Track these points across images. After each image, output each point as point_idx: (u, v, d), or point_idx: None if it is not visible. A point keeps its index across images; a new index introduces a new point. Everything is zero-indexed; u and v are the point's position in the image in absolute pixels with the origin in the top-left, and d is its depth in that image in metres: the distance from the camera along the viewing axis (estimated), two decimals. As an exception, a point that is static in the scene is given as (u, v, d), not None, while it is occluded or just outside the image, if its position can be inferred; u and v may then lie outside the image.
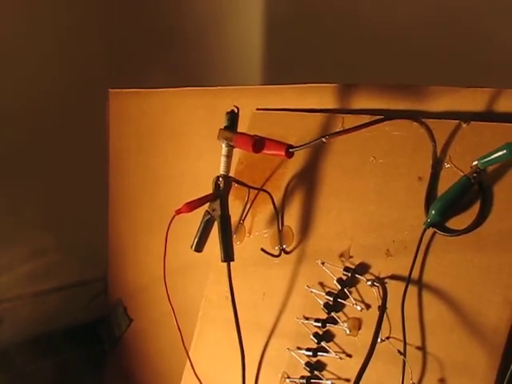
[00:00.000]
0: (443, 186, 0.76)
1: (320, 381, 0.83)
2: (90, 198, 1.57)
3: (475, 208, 0.73)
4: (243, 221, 1.00)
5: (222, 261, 0.89)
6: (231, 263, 0.89)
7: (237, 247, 0.95)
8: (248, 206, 0.99)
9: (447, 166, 0.77)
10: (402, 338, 0.74)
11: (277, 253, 0.93)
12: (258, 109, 1.06)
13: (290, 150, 0.83)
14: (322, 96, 0.97)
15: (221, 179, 0.90)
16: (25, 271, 1.54)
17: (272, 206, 0.95)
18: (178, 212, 0.90)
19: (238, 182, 0.94)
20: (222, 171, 0.91)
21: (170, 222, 0.91)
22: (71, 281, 1.65)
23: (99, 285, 1.64)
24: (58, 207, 1.57)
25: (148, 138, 1.35)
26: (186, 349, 1.00)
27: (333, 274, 0.84)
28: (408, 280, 0.75)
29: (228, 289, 0.90)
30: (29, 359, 1.50)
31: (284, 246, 0.93)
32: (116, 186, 1.46)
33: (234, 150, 0.91)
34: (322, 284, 0.86)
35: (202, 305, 1.05)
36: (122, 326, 1.44)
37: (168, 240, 0.95)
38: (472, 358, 0.70)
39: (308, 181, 0.92)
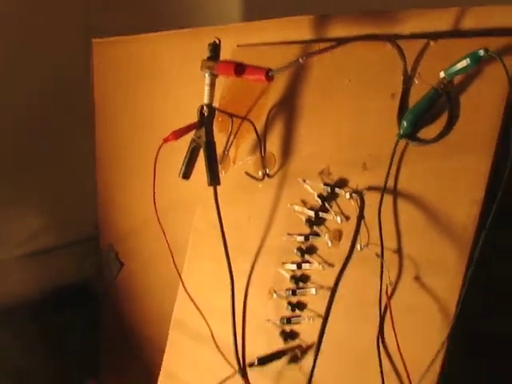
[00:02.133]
0: (414, 101, 0.81)
1: (305, 290, 0.88)
2: (77, 154, 1.58)
3: (444, 118, 0.78)
4: (227, 151, 1.05)
5: (209, 184, 0.94)
6: (218, 192, 0.94)
7: (222, 177, 1.00)
8: (231, 137, 1.04)
9: (417, 82, 0.82)
10: (379, 243, 0.80)
11: (260, 177, 0.97)
12: (238, 45, 1.10)
13: (270, 73, 0.87)
14: (301, 28, 1.01)
15: (205, 108, 0.95)
16: (13, 233, 1.54)
17: (255, 134, 1.00)
18: (166, 140, 0.95)
19: (221, 111, 0.98)
20: (205, 100, 0.95)
21: (158, 150, 0.95)
22: (62, 242, 1.65)
23: (91, 244, 1.67)
24: (46, 164, 1.57)
25: (134, 84, 1.38)
26: (179, 272, 1.05)
27: (313, 191, 0.89)
28: (383, 190, 0.81)
29: (215, 217, 0.95)
30: (24, 320, 1.51)
31: (267, 171, 0.98)
32: (103, 135, 1.50)
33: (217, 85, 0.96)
34: (303, 201, 0.91)
35: (191, 235, 1.10)
36: (114, 271, 1.49)
37: (155, 182, 1.00)
38: (443, 255, 0.75)
39: (288, 108, 0.97)
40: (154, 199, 1.01)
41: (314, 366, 0.81)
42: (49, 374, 1.50)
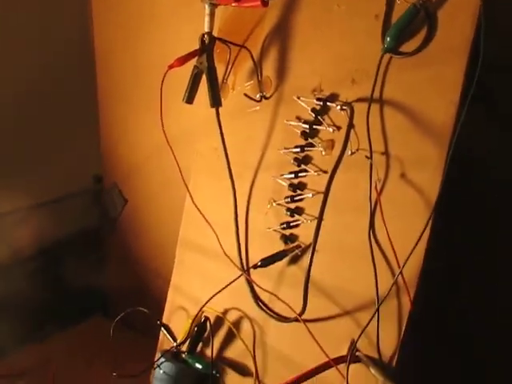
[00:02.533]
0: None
1: (302, 195, 0.98)
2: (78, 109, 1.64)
3: (423, 32, 0.87)
4: (226, 80, 1.14)
5: (211, 106, 1.03)
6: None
7: (223, 102, 1.09)
8: (230, 66, 1.13)
9: (399, 2, 0.91)
10: (368, 147, 0.90)
11: (258, 98, 1.07)
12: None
13: (265, -2, 0.96)
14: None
15: (206, 36, 1.03)
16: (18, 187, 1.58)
17: (251, 61, 1.09)
18: (171, 66, 1.03)
19: (220, 39, 1.07)
20: (206, 29, 1.03)
21: (164, 77, 1.03)
22: (65, 193, 1.72)
23: (90, 196, 1.75)
24: (48, 121, 1.62)
25: (134, 24, 1.45)
26: (185, 184, 1.13)
27: (307, 106, 0.99)
28: (370, 100, 0.90)
29: (217, 138, 1.04)
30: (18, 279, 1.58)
31: (264, 93, 1.07)
32: (104, 78, 1.57)
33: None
34: (298, 117, 1.01)
35: (194, 160, 1.19)
36: (118, 208, 1.58)
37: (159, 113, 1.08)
38: (426, 152, 0.85)
39: (281, 34, 1.06)
40: (163, 125, 1.08)
41: (311, 262, 0.91)
42: (62, 307, 1.59)
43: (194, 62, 1.05)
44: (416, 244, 0.82)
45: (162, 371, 1.07)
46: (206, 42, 1.03)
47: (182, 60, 1.02)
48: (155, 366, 1.09)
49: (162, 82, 1.03)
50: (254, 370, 1.04)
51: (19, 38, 1.48)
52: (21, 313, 1.50)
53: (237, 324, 1.07)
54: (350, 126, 0.90)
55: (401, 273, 0.83)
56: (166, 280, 1.26)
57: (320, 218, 0.89)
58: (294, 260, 0.99)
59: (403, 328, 0.86)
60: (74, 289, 1.64)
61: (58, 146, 1.62)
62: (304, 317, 0.95)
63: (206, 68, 1.02)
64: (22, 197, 1.57)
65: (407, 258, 0.82)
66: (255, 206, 1.06)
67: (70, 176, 1.69)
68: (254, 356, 1.04)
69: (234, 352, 1.08)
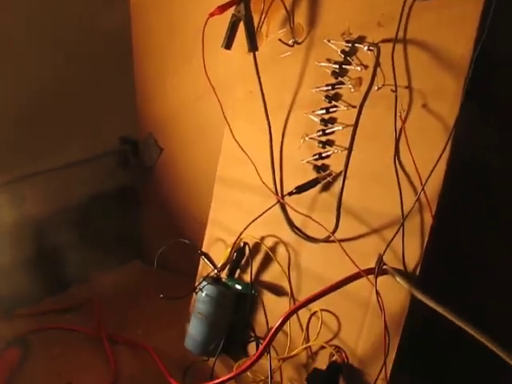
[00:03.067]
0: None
1: (333, 128, 1.09)
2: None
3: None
4: (260, 28, 1.24)
5: (249, 51, 1.13)
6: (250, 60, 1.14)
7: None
8: (264, 14, 1.23)
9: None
10: (393, 82, 1.00)
11: (291, 43, 1.17)
12: None
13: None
14: None
15: (243, -14, 1.13)
16: (43, 147, 1.67)
17: (284, 11, 1.19)
18: (212, 14, 1.14)
19: (255, -10, 1.17)
20: (243, -20, 1.14)
21: (205, 24, 1.14)
22: (90, 154, 1.80)
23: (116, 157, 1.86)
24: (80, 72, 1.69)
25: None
26: (226, 119, 1.24)
27: (337, 48, 1.09)
28: (395, 39, 1.00)
29: (253, 82, 1.15)
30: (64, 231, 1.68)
31: (296, 39, 1.17)
32: (140, 36, 1.67)
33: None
34: (328, 59, 1.11)
35: (231, 106, 1.29)
36: (154, 156, 1.69)
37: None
38: (445, 84, 0.95)
39: (312, -16, 1.16)
40: (206, 70, 1.18)
41: (343, 183, 1.02)
42: (104, 255, 1.70)
43: (231, 11, 1.15)
44: (436, 163, 0.93)
45: (204, 294, 1.19)
46: (244, -9, 1.12)
47: (223, 8, 1.12)
48: (197, 289, 1.20)
49: (204, 28, 1.13)
50: (289, 289, 1.15)
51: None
52: (67, 258, 1.63)
53: (273, 249, 1.18)
54: (377, 64, 1.00)
55: (423, 190, 0.94)
56: (201, 225, 1.37)
57: (350, 147, 1.00)
58: (326, 187, 1.10)
59: (426, 240, 0.97)
60: (114, 238, 1.77)
61: (93, 107, 1.72)
62: (335, 237, 1.06)
63: (243, 16, 1.12)
64: (64, 155, 1.69)
65: (429, 176, 0.93)
66: (289, 142, 1.17)
67: (103, 137, 1.80)
68: (289, 277, 1.15)
69: (271, 275, 1.19)
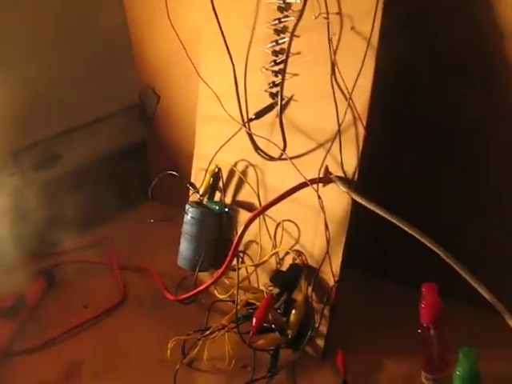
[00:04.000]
0: None
1: (282, 58, 1.22)
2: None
3: None
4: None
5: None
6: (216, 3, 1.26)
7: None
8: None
9: None
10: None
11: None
12: None
13: None
14: None
15: None
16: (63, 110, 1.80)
17: (238, -45, 1.31)
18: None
19: None
20: None
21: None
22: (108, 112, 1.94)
23: (134, 112, 2.01)
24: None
25: None
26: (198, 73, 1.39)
27: (281, -16, 1.21)
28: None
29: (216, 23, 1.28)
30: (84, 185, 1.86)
31: (250, -20, 1.30)
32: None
33: None
34: (276, -4, 1.23)
35: (202, 44, 1.43)
36: (153, 104, 1.85)
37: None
38: (368, 7, 1.07)
39: None
40: (173, 25, 1.33)
41: (280, 107, 1.15)
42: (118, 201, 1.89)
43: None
44: (357, 78, 1.06)
45: (189, 216, 1.35)
46: None
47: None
48: (183, 212, 1.37)
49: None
50: (258, 205, 1.30)
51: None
52: (90, 204, 1.83)
53: (244, 172, 1.33)
54: (307, -6, 1.12)
55: (351, 103, 1.07)
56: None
57: (284, 72, 1.15)
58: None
59: (360, 150, 1.10)
60: (130, 183, 1.96)
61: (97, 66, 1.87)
62: (290, 154, 1.20)
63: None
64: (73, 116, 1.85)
65: (352, 90, 1.06)
66: (251, 74, 1.30)
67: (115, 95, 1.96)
68: (258, 194, 1.30)
69: (244, 194, 1.34)
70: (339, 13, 1.11)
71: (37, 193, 1.75)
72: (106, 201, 1.84)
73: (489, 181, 1.18)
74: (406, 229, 0.99)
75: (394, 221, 1.00)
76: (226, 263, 1.17)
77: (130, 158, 1.99)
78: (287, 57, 1.12)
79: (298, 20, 1.10)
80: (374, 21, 1.04)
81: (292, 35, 1.11)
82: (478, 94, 1.14)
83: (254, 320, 1.08)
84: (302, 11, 1.10)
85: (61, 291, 1.54)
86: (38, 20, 1.70)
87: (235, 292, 1.19)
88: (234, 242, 1.15)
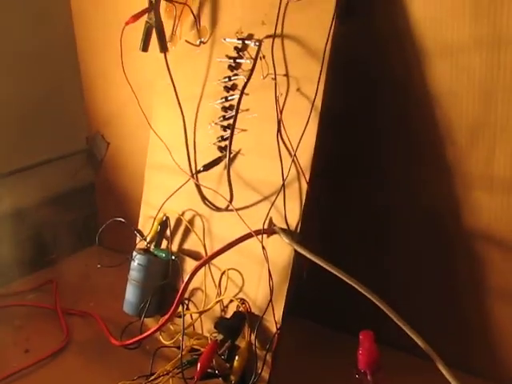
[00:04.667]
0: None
1: (231, 114, 1.29)
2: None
3: (308, -20, 1.17)
4: (175, 32, 1.43)
5: (160, 51, 1.33)
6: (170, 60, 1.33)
7: (172, 50, 1.39)
8: (177, 20, 1.42)
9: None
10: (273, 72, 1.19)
11: (197, 43, 1.37)
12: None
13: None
14: None
15: (152, -4, 1.33)
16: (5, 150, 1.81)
17: (192, 15, 1.38)
18: (127, 23, 1.32)
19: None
20: (152, -9, 1.33)
21: (122, 32, 1.32)
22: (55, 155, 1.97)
23: (81, 157, 2.05)
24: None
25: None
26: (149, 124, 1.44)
27: (231, 45, 1.29)
28: (273, 36, 1.19)
29: (169, 77, 1.35)
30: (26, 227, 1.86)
31: (202, 39, 1.37)
32: (82, 36, 1.86)
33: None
34: (226, 55, 1.30)
35: (153, 96, 1.49)
36: (102, 151, 1.89)
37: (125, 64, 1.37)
38: (313, 70, 1.15)
39: (212, -7, 1.36)
40: (126, 76, 1.37)
41: (229, 161, 1.22)
42: (63, 242, 1.90)
43: (145, 18, 1.34)
44: (301, 138, 1.13)
45: (136, 263, 1.38)
46: (153, 1, 1.32)
47: (136, 17, 1.31)
48: (130, 259, 1.40)
49: (121, 35, 1.32)
50: (204, 254, 1.35)
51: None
52: (33, 247, 1.83)
53: (191, 221, 1.38)
54: (257, 56, 1.19)
55: (295, 160, 1.14)
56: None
57: (232, 128, 1.22)
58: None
59: (303, 203, 1.16)
60: (75, 227, 1.97)
61: (47, 110, 1.91)
62: (236, 206, 1.25)
63: (154, 22, 1.31)
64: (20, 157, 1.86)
65: (296, 147, 1.13)
66: (200, 128, 1.36)
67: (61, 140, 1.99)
68: (204, 243, 1.35)
69: (190, 243, 1.38)
70: (286, 75, 1.18)
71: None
72: (50, 244, 1.85)
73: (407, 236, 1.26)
74: (345, 278, 1.04)
75: (333, 271, 1.06)
76: (171, 310, 1.20)
77: (77, 201, 2.01)
78: (237, 113, 1.18)
79: (248, 79, 1.16)
80: (318, 84, 1.10)
81: (242, 93, 1.17)
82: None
83: (199, 365, 1.11)
84: (251, 71, 1.17)
85: (1, 335, 1.52)
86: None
87: (180, 338, 1.22)
88: (180, 290, 1.18)
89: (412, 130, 1.20)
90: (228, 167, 1.22)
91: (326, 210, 1.30)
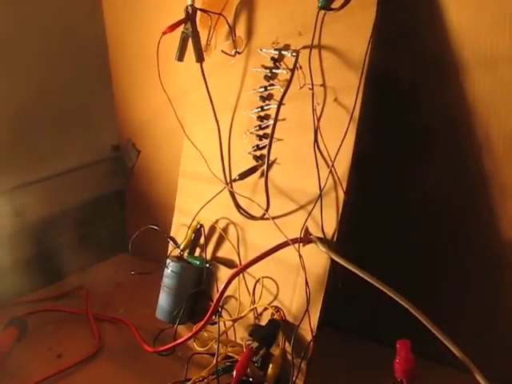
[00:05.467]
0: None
1: (267, 123, 1.30)
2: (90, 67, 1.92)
3: (346, -7, 1.18)
4: (210, 42, 1.45)
5: (196, 61, 1.34)
6: (205, 70, 1.34)
7: (207, 60, 1.40)
8: (212, 30, 1.44)
9: (330, -30, 1.21)
10: (310, 81, 1.20)
11: (233, 54, 1.38)
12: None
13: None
14: None
15: (189, 7, 1.35)
16: (40, 158, 1.83)
17: (227, 25, 1.40)
18: (164, 33, 1.34)
19: (201, 10, 1.38)
20: (189, 2, 1.34)
21: (159, 41, 1.34)
22: (83, 162, 1.98)
23: (108, 164, 2.07)
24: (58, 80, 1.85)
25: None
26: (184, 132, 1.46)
27: (267, 56, 1.30)
28: (311, 46, 1.21)
29: (204, 88, 1.36)
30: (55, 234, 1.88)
31: (237, 49, 1.38)
32: (115, 48, 1.89)
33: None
34: (263, 65, 1.32)
35: (188, 105, 1.51)
36: (133, 158, 1.91)
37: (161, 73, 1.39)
38: (350, 80, 1.16)
39: (247, 3, 1.36)
40: (162, 84, 1.38)
41: (267, 170, 1.23)
42: (93, 248, 1.92)
43: (182, 29, 1.36)
44: (339, 147, 1.13)
45: (169, 270, 1.40)
46: (190, 12, 1.33)
47: (172, 27, 1.33)
48: (164, 267, 1.41)
49: (158, 45, 1.33)
50: (238, 262, 1.35)
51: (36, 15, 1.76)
52: (63, 255, 1.85)
53: (225, 229, 1.39)
54: (295, 67, 1.21)
55: (333, 170, 1.14)
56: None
57: (271, 138, 1.22)
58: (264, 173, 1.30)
59: (340, 212, 1.17)
60: (105, 234, 1.99)
61: (77, 118, 1.93)
62: (271, 214, 1.26)
63: (191, 32, 1.33)
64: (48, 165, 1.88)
65: (334, 158, 1.13)
66: (235, 137, 1.37)
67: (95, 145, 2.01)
68: (238, 251, 1.36)
69: (224, 251, 1.39)
70: (323, 85, 1.18)
71: (10, 239, 1.76)
72: (81, 250, 1.87)
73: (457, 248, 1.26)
74: (381, 287, 1.05)
75: (371, 280, 1.06)
76: (206, 318, 1.21)
77: (107, 208, 2.03)
78: (275, 122, 1.19)
79: (286, 89, 1.18)
80: (357, 94, 1.11)
81: (280, 103, 1.18)
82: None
83: (235, 372, 1.12)
84: (289, 81, 1.18)
85: (34, 340, 1.54)
86: (19, 65, 1.73)
87: (214, 345, 1.23)
88: (216, 298, 1.19)
89: (449, 141, 1.20)
90: (266, 176, 1.22)
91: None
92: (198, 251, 1.44)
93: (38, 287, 1.79)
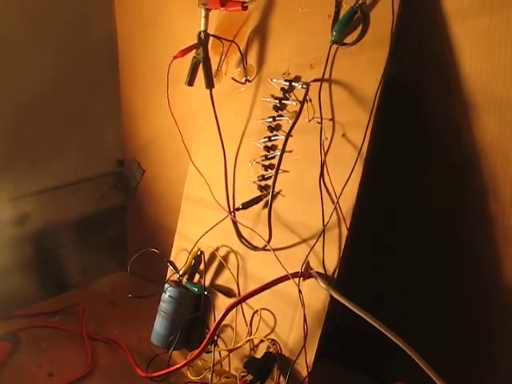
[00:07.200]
0: (342, 19, 1.20)
1: (274, 154, 1.29)
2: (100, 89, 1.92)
3: (359, 28, 1.18)
4: (220, 68, 1.44)
5: (206, 87, 1.34)
6: (214, 96, 1.34)
7: (217, 86, 1.40)
8: (223, 56, 1.44)
9: (344, 5, 1.21)
10: (319, 115, 1.20)
11: (243, 82, 1.38)
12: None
13: (245, 4, 1.27)
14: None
15: (202, 33, 1.34)
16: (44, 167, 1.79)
17: (239, 53, 1.40)
18: (175, 57, 1.34)
19: (214, 36, 1.38)
20: (202, 27, 1.34)
21: (170, 65, 1.34)
22: (87, 175, 1.97)
23: (111, 178, 2.05)
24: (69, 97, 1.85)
25: (149, 24, 1.77)
26: (187, 149, 1.45)
27: (277, 86, 1.30)
28: (321, 80, 1.20)
29: (212, 113, 1.36)
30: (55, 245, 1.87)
31: (248, 77, 1.38)
32: (126, 67, 1.89)
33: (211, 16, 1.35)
34: (272, 95, 1.31)
35: (195, 131, 1.50)
36: (137, 177, 1.90)
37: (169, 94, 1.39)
38: (360, 116, 1.15)
39: (260, 31, 1.36)
40: (170, 106, 1.37)
41: (271, 202, 1.22)
42: (91, 265, 1.91)
43: (193, 53, 1.36)
44: (345, 184, 1.13)
45: (167, 295, 1.38)
46: (202, 37, 1.33)
47: (184, 52, 1.32)
48: (162, 291, 1.40)
49: (169, 68, 1.33)
50: (237, 291, 1.34)
51: (49, 28, 1.75)
52: (60, 269, 1.84)
53: (225, 257, 1.37)
54: (304, 99, 1.20)
55: (338, 206, 1.13)
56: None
57: (277, 169, 1.21)
58: (268, 204, 1.29)
59: (342, 248, 1.16)
60: (104, 250, 1.98)
61: (84, 130, 1.92)
62: (273, 246, 1.25)
63: (202, 58, 1.33)
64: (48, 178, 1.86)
65: (340, 194, 1.12)
66: (240, 165, 1.36)
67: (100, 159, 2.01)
68: (238, 281, 1.34)
69: (223, 279, 1.38)
70: (332, 119, 1.18)
71: (9, 248, 1.75)
72: (79, 265, 1.86)
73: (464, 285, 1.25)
74: (382, 330, 1.03)
75: (371, 321, 1.05)
76: (201, 346, 1.19)
77: (108, 222, 2.02)
78: (282, 154, 1.18)
79: (295, 121, 1.17)
80: (365, 132, 1.11)
81: (288, 134, 1.17)
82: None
83: (228, 405, 1.10)
84: (299, 113, 1.17)
85: (26, 356, 1.52)
86: (27, 75, 1.72)
87: (208, 375, 1.21)
88: (212, 328, 1.18)
89: (456, 181, 1.19)
90: (270, 207, 1.21)
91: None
92: (197, 277, 1.41)
93: (34, 301, 1.77)
